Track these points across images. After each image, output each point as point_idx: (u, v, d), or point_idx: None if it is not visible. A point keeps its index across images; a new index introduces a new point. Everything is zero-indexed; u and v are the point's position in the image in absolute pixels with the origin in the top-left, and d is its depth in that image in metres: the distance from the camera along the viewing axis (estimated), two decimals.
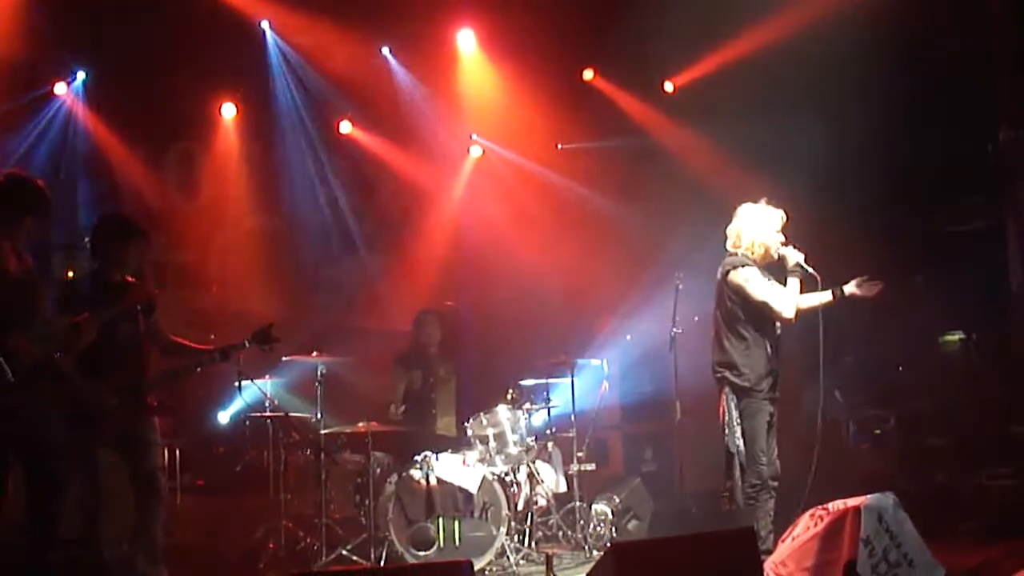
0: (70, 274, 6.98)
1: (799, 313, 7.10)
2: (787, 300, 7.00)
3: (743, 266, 7.06)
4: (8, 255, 6.27)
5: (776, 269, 7.17)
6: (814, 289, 7.09)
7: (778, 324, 7.11)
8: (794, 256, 7.06)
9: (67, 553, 6.50)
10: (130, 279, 7.01)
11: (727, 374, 7.07)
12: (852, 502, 6.08)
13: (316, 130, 11.67)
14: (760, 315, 7.02)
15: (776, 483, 7.01)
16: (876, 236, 10.21)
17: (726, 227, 7.28)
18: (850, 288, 7.17)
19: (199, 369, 7.21)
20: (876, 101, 9.93)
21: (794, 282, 7.04)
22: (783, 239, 7.15)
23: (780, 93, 10.22)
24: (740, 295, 7.06)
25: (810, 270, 7.04)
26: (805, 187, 9.44)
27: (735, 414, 7.01)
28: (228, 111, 11.48)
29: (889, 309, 7.79)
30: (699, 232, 7.93)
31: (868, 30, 9.67)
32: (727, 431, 7.02)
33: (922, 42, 10.08)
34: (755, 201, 7.23)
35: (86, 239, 6.96)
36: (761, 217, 7.18)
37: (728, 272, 7.11)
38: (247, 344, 7.29)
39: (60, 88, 10.31)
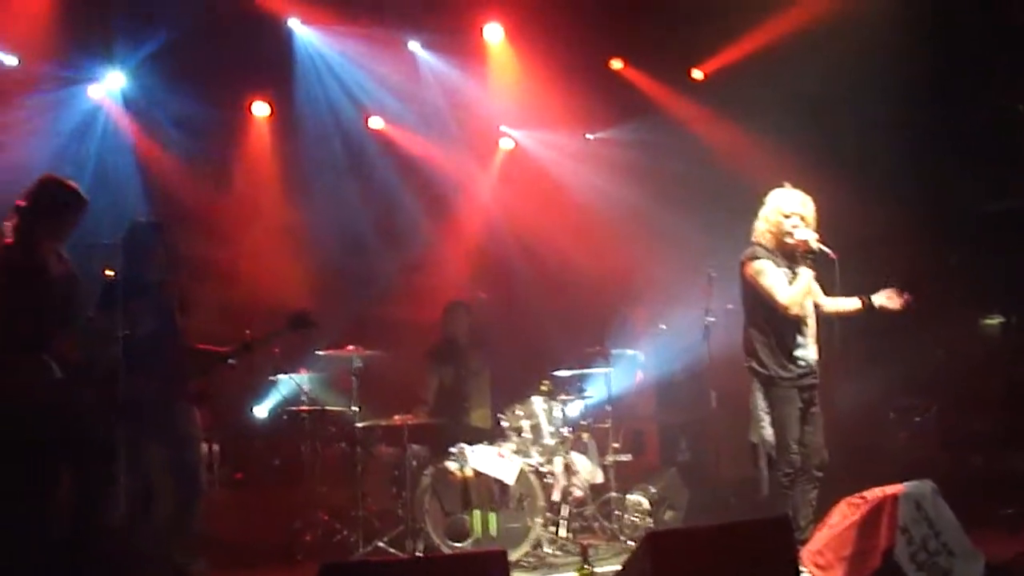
0: (109, 273, 7.06)
1: (828, 316, 7.15)
2: (791, 293, 6.96)
3: (755, 258, 7.05)
4: (49, 256, 6.41)
5: (798, 256, 7.08)
6: (831, 270, 7.00)
7: (808, 313, 7.09)
8: (806, 236, 6.97)
9: (111, 543, 6.60)
10: (167, 278, 7.11)
11: (752, 364, 7.09)
12: (890, 490, 6.06)
13: (346, 125, 11.69)
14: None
15: (821, 473, 7.01)
16: (912, 219, 10.14)
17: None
18: (879, 300, 7.15)
19: (231, 361, 7.30)
20: (906, 81, 9.85)
21: (805, 272, 6.96)
22: (796, 222, 7.04)
23: (807, 77, 10.14)
24: (752, 286, 7.07)
25: (825, 249, 6.95)
26: (837, 171, 9.40)
27: (761, 404, 7.01)
28: (260, 109, 11.54)
29: (928, 294, 7.72)
30: (731, 221, 7.91)
31: (894, 7, 9.59)
32: (752, 421, 7.03)
33: (950, 18, 9.96)
34: (781, 186, 7.21)
35: (119, 241, 7.06)
36: (773, 200, 7.15)
37: (743, 263, 7.13)
38: (283, 331, 7.38)
39: (95, 90, 10.38)
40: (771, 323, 7.04)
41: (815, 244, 6.95)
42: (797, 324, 7.07)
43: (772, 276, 7.00)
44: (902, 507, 5.90)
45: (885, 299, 7.14)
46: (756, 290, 7.05)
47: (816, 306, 7.20)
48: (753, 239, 7.18)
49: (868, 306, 7.16)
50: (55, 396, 6.11)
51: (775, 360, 7.00)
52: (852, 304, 7.20)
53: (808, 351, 7.09)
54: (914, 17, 9.73)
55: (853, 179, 9.72)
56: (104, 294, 6.84)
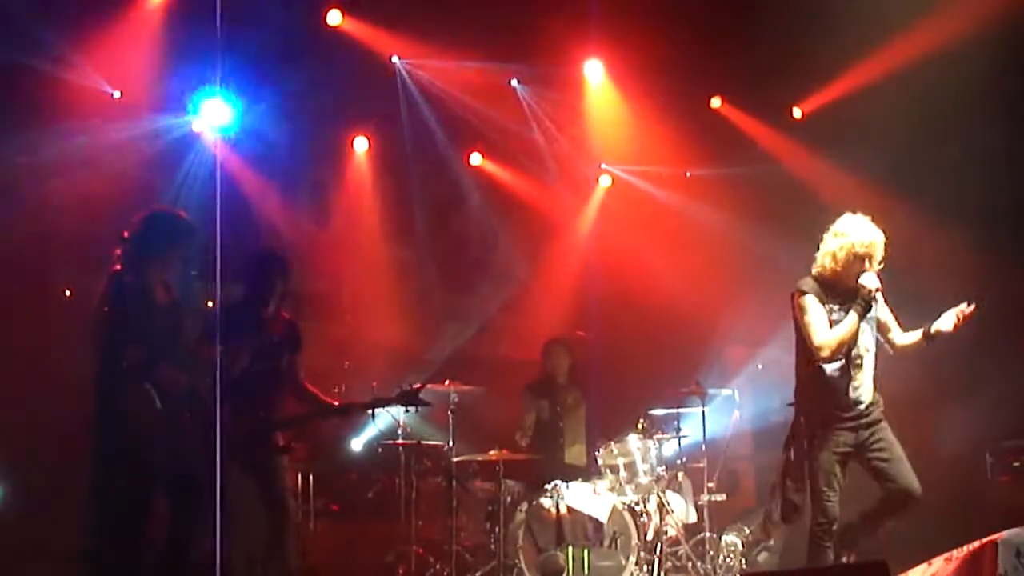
0: (210, 304, 7.19)
1: (900, 351, 6.86)
2: (829, 336, 6.61)
3: (804, 293, 6.74)
4: (157, 287, 6.53)
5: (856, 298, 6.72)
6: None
7: (865, 349, 6.77)
8: (872, 285, 6.61)
9: (203, 572, 6.70)
10: (283, 314, 7.22)
11: (797, 402, 6.94)
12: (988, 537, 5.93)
13: (446, 162, 11.83)
14: None
15: (909, 502, 6.78)
16: (1011, 261, 9.94)
17: None
18: (936, 325, 6.74)
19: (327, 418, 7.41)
20: (1009, 124, 9.68)
21: (852, 316, 6.60)
22: (866, 265, 6.67)
23: (910, 117, 10.00)
24: (796, 321, 6.83)
25: (879, 303, 6.69)
26: (937, 213, 9.26)
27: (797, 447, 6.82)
28: (360, 144, 11.72)
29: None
30: None
31: (1002, 49, 9.44)
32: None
33: None
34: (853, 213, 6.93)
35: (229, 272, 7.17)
36: (846, 233, 6.76)
37: (792, 295, 6.85)
38: (391, 402, 7.46)
39: (198, 123, 10.62)
40: (816, 361, 6.72)
41: (877, 296, 6.65)
42: (859, 362, 6.73)
43: (813, 314, 6.66)
44: (1002, 554, 5.75)
45: (941, 323, 6.70)
46: (798, 325, 6.80)
47: (890, 343, 6.92)
48: (812, 269, 6.86)
49: (929, 336, 6.77)
50: (155, 426, 6.23)
51: (823, 401, 6.72)
52: (915, 337, 6.85)
53: (860, 392, 6.72)
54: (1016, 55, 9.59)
55: (954, 223, 9.53)
56: (210, 325, 6.97)
